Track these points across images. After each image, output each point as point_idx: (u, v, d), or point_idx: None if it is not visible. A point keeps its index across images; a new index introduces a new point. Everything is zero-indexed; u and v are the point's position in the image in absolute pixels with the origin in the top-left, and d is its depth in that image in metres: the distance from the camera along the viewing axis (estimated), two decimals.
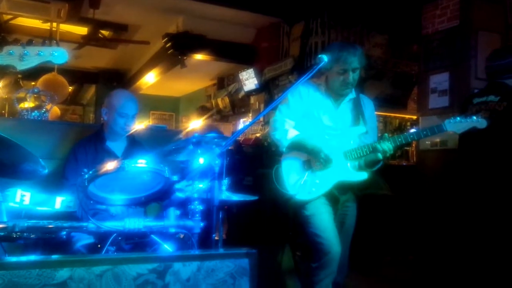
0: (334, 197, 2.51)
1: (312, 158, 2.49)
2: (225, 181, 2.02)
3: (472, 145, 2.99)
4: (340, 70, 2.46)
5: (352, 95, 2.61)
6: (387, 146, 2.35)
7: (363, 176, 2.48)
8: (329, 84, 2.57)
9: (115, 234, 1.84)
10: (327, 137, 2.52)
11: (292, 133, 2.53)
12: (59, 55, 1.51)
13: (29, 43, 1.55)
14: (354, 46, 2.53)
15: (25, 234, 1.69)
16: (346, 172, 2.47)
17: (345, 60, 2.43)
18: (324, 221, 2.43)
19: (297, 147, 2.51)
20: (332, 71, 2.49)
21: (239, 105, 8.40)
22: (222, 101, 8.88)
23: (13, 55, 1.46)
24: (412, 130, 4.05)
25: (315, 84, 2.63)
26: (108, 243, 1.82)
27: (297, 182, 2.50)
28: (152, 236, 1.99)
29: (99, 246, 1.90)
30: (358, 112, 2.58)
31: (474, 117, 2.43)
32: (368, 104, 2.67)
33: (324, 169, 2.46)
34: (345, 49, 2.46)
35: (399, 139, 2.41)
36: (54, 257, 1.35)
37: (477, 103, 3.04)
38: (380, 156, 2.38)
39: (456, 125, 2.41)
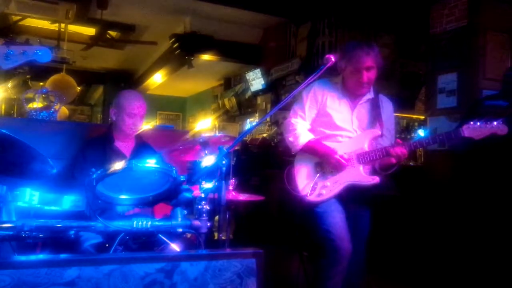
0: (346, 199, 2.49)
1: (324, 162, 2.48)
2: (232, 181, 2.03)
3: (481, 147, 2.97)
4: (353, 70, 2.44)
5: (369, 95, 2.57)
6: (401, 151, 2.31)
7: (374, 179, 2.43)
8: (345, 84, 2.54)
9: (123, 234, 1.85)
10: (340, 139, 2.50)
11: (304, 137, 2.51)
12: (43, 54, 1.52)
13: (13, 41, 1.55)
14: (369, 45, 2.48)
15: (34, 233, 1.70)
16: (358, 176, 2.44)
17: (358, 59, 2.40)
18: (335, 219, 2.40)
19: (309, 151, 2.50)
20: (346, 70, 2.48)
21: (246, 105, 8.41)
22: (229, 102, 8.90)
23: None
24: (421, 133, 3.98)
25: (332, 83, 2.60)
26: (116, 242, 1.83)
27: (308, 184, 2.49)
28: (160, 235, 2.00)
29: (107, 245, 1.91)
30: (375, 113, 2.54)
31: (495, 122, 2.21)
32: (386, 105, 2.63)
33: (336, 173, 2.45)
34: (359, 48, 2.43)
35: (414, 144, 2.35)
36: (63, 256, 1.36)
37: (487, 106, 3.02)
38: (393, 160, 2.34)
39: (475, 130, 2.24)
